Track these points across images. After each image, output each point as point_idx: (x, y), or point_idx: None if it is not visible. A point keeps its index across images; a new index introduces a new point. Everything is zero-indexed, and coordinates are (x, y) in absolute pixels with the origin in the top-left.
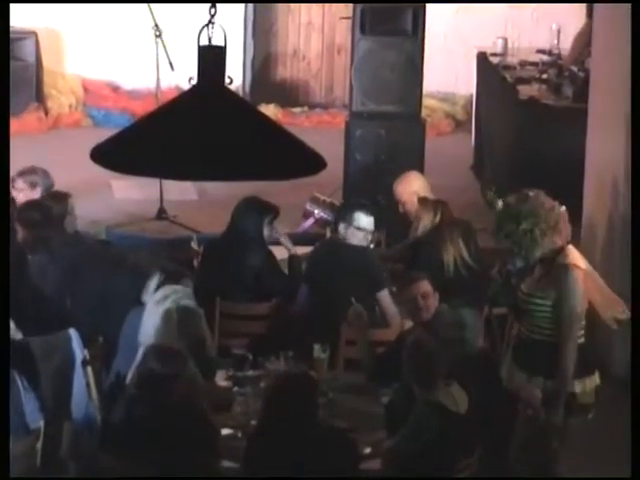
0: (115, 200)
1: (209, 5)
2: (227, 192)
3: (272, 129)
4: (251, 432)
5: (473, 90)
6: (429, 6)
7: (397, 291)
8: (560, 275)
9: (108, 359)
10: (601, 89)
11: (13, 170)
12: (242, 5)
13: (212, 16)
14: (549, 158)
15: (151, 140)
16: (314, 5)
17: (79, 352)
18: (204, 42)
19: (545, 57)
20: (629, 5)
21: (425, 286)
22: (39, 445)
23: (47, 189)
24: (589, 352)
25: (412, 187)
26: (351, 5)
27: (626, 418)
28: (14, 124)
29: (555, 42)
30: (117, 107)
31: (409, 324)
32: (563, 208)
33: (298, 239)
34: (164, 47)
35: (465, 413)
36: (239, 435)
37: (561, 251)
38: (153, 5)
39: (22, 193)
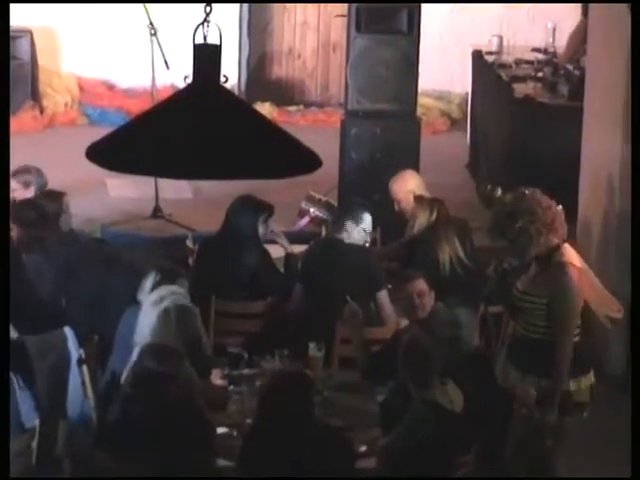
0: (110, 198)
1: (204, 4)
2: (222, 191)
3: (268, 128)
4: (246, 431)
5: (468, 88)
6: (424, 4)
7: (393, 289)
8: (555, 273)
9: (103, 358)
10: (596, 87)
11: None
12: (237, 4)
13: (207, 14)
14: (544, 156)
15: (146, 139)
16: (309, 4)
17: (74, 351)
18: (199, 40)
19: (540, 55)
20: (624, 4)
21: (421, 284)
22: (34, 444)
23: (41, 188)
24: (584, 351)
25: (408, 185)
26: (346, 4)
27: (623, 417)
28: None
29: (550, 40)
30: (112, 106)
31: (405, 323)
32: (559, 207)
33: (294, 238)
34: (159, 46)
35: (460, 411)
36: (235, 434)
37: (557, 249)
38: (148, 4)
39: (16, 193)
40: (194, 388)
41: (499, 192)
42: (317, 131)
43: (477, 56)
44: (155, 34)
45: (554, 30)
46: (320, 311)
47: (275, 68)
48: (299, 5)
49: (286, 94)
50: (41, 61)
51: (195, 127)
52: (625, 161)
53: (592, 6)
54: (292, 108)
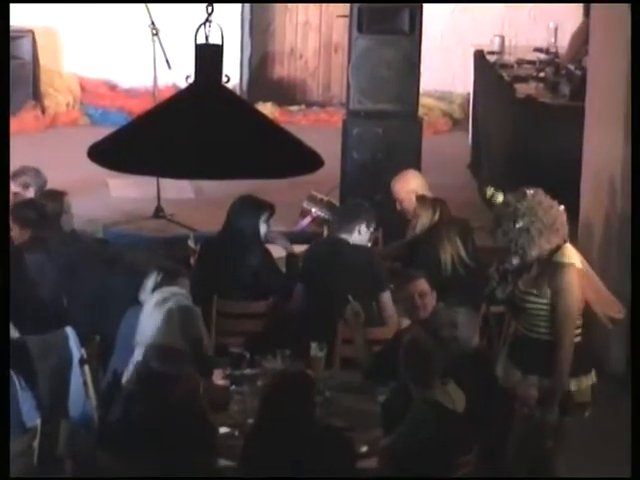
0: (112, 199)
1: (206, 4)
2: (224, 191)
3: (269, 127)
4: (248, 431)
5: (470, 89)
6: (426, 5)
7: (394, 289)
8: (556, 274)
9: (105, 358)
10: (598, 87)
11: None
12: (239, 4)
13: (209, 14)
14: (546, 156)
15: (148, 139)
16: (311, 4)
17: (76, 351)
18: (201, 40)
19: (542, 55)
20: (626, 4)
21: (422, 285)
22: (36, 444)
23: (40, 188)
24: (585, 350)
25: (410, 185)
26: (348, 4)
27: (624, 417)
28: (11, 123)
29: (552, 40)
30: (114, 106)
31: (406, 323)
32: (562, 207)
33: (295, 237)
34: (161, 45)
35: (462, 412)
36: (236, 434)
37: (558, 250)
38: (150, 4)
39: (15, 195)
40: (197, 389)
41: (500, 198)
42: (319, 131)
43: (479, 56)
44: (157, 34)
45: (556, 30)
46: (322, 311)
47: (277, 68)
48: (301, 5)
49: (288, 94)
50: (43, 61)
51: (197, 127)
52: (627, 161)
53: (594, 6)
54: (294, 108)
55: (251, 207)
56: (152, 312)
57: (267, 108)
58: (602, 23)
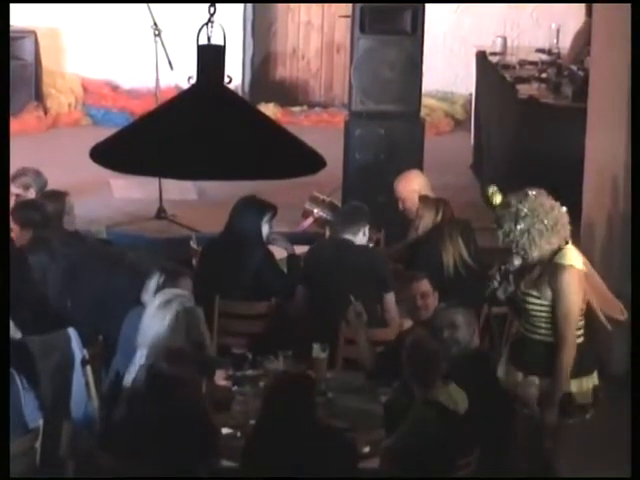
0: (114, 199)
1: (208, 4)
2: (226, 191)
3: (271, 128)
4: (250, 431)
5: (472, 89)
6: (428, 5)
7: (396, 290)
8: (555, 275)
9: (107, 358)
10: (600, 88)
11: (12, 169)
12: (241, 4)
13: (211, 15)
14: (548, 157)
15: (150, 139)
16: (313, 4)
17: (78, 351)
18: (203, 41)
19: (544, 56)
20: (628, 4)
21: (424, 285)
22: (38, 444)
23: (41, 189)
24: (587, 352)
25: (413, 185)
26: (350, 4)
27: (625, 418)
28: (13, 123)
29: (554, 41)
30: (116, 106)
31: (409, 324)
32: (564, 209)
33: (297, 238)
34: (163, 46)
35: (464, 412)
36: (238, 434)
37: (559, 251)
38: (152, 4)
39: (16, 197)
40: (200, 389)
41: (498, 198)
42: (321, 132)
43: (481, 57)
44: (159, 35)
45: (558, 31)
46: (324, 312)
47: (279, 69)
48: (303, 5)
49: (290, 95)
50: (45, 62)
51: (199, 128)
52: (629, 162)
53: (596, 6)
54: (296, 109)
55: (253, 208)
56: (156, 314)
57: (269, 109)
58: (604, 24)
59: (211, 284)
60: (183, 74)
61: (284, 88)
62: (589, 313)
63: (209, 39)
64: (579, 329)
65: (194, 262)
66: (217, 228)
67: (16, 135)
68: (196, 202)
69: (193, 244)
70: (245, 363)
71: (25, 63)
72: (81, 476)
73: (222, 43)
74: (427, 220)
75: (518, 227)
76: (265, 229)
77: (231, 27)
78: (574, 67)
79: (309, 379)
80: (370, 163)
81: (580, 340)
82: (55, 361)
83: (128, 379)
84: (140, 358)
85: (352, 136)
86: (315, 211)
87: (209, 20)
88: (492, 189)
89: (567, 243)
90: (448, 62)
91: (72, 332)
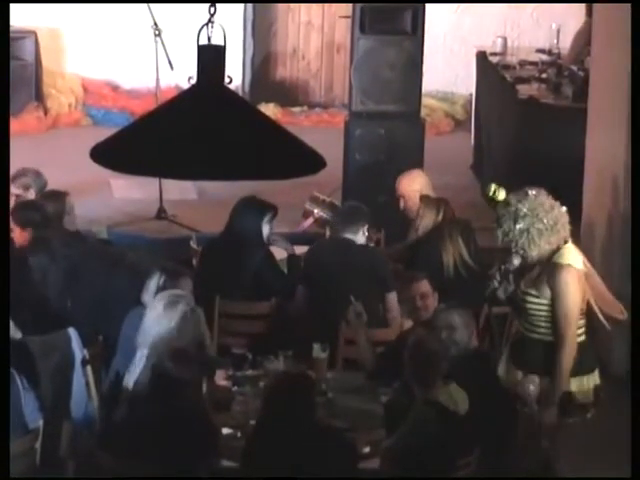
0: (114, 200)
1: (208, 4)
2: (227, 192)
3: (271, 128)
4: (250, 431)
5: (472, 89)
6: (429, 5)
7: (397, 290)
8: (554, 274)
9: (108, 358)
10: (601, 88)
11: (12, 169)
12: (242, 4)
13: (212, 15)
14: (549, 157)
15: (150, 139)
16: (313, 4)
17: (79, 351)
18: (203, 41)
19: (544, 56)
20: (628, 4)
21: (424, 286)
22: (38, 444)
23: (41, 190)
24: (588, 351)
25: (415, 183)
26: (351, 4)
27: (625, 418)
28: (13, 124)
29: (555, 41)
30: (116, 106)
31: (409, 324)
32: (563, 208)
33: (297, 238)
34: (163, 46)
35: (464, 412)
36: (238, 435)
37: (558, 250)
38: (152, 4)
39: (16, 197)
40: (201, 390)
41: (502, 194)
42: (321, 132)
43: (481, 57)
44: (159, 35)
45: (558, 31)
46: (324, 312)
47: (279, 69)
48: (303, 6)
49: (290, 95)
50: (45, 62)
51: (199, 128)
52: (629, 162)
53: (596, 7)
54: (296, 109)
55: (254, 208)
56: (163, 315)
57: (269, 109)
58: (604, 24)
59: (211, 284)
60: (183, 74)
61: (284, 88)
62: (590, 312)
63: (209, 39)
64: (580, 328)
65: (194, 262)
66: (217, 228)
67: (16, 135)
68: (196, 202)
69: (193, 244)
70: (245, 363)
71: (25, 63)
72: (81, 476)
73: (222, 43)
74: (428, 220)
75: (517, 226)
76: (265, 229)
77: (231, 27)
78: (574, 67)
79: (309, 379)
80: (370, 163)
81: (581, 339)
82: (55, 361)
83: (128, 379)
84: (140, 358)
85: (352, 136)
86: (315, 211)
87: (209, 20)
88: (494, 186)
89: (566, 242)
90: (448, 62)
91: (72, 332)
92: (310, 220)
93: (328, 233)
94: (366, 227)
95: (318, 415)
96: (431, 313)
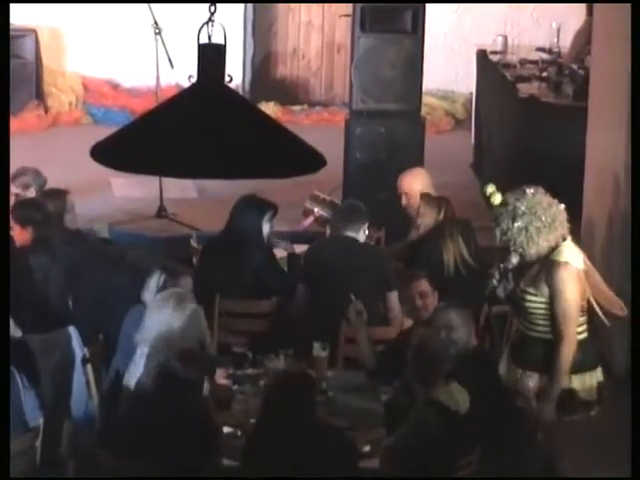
0: (115, 198)
1: (209, 3)
2: (227, 190)
3: (272, 127)
4: (250, 430)
5: (473, 88)
6: (429, 5)
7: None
8: (551, 272)
9: (108, 357)
10: (601, 87)
11: (12, 168)
12: (242, 4)
13: (212, 14)
14: (549, 156)
15: (151, 138)
16: (314, 4)
17: (79, 350)
18: (204, 40)
19: (545, 55)
20: (628, 4)
21: (423, 285)
22: (38, 443)
23: (40, 188)
24: (589, 348)
25: (417, 181)
26: (351, 4)
27: (626, 417)
28: (14, 122)
29: (555, 40)
30: (117, 105)
31: (409, 323)
32: (562, 206)
33: (298, 237)
34: (164, 45)
35: (465, 412)
36: (239, 433)
37: (556, 248)
38: (153, 3)
39: (16, 196)
40: (202, 389)
41: (498, 199)
42: (321, 130)
43: (481, 56)
44: (159, 33)
45: (558, 30)
46: (324, 310)
47: (279, 68)
48: (304, 5)
49: (290, 94)
50: (45, 60)
51: (199, 126)
52: (629, 161)
53: (596, 6)
54: (296, 108)
55: (254, 207)
56: (172, 314)
57: (270, 108)
58: (605, 23)
59: (212, 283)
60: (184, 73)
61: (284, 87)
62: (591, 310)
63: (210, 38)
64: (581, 325)
65: (194, 261)
66: (218, 227)
67: (16, 134)
68: (197, 201)
69: (193, 243)
70: (245, 362)
71: (25, 62)
72: (81, 475)
73: (223, 42)
74: (429, 218)
75: (515, 225)
76: (266, 228)
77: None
78: (574, 66)
79: (309, 378)
80: (370, 162)
81: (582, 336)
82: (55, 360)
83: (129, 378)
84: (141, 356)
85: (353, 135)
86: (316, 210)
87: (210, 19)
88: (491, 189)
89: (565, 240)
90: (449, 61)
91: (72, 331)
92: (310, 219)
93: (328, 232)
94: (366, 225)
95: (318, 414)
96: (431, 312)
